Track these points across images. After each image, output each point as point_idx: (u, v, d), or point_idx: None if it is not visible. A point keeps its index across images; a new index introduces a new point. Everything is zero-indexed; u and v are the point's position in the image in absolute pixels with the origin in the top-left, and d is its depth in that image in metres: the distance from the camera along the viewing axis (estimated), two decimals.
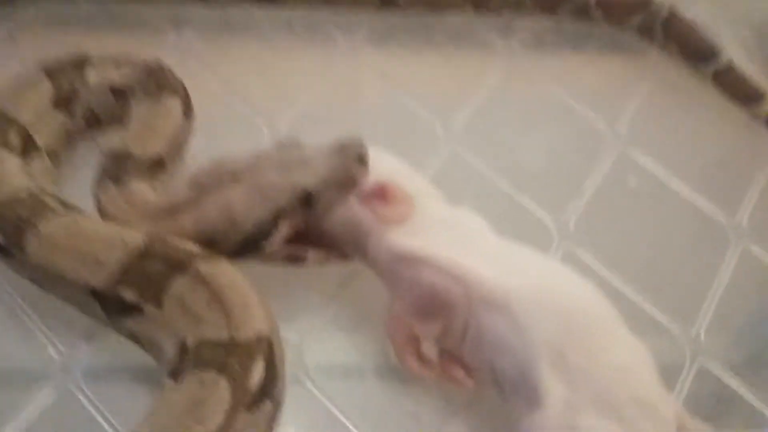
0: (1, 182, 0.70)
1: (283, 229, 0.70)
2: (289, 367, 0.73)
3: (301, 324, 0.78)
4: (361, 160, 0.71)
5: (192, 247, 0.68)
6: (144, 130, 0.76)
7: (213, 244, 0.69)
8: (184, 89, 0.81)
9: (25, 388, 0.72)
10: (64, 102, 0.78)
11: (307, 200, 0.69)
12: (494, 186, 0.91)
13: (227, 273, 0.66)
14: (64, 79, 0.79)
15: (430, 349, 0.73)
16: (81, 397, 0.72)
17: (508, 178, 0.92)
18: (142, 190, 0.73)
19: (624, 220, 0.92)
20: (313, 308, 0.76)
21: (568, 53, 1.07)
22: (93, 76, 0.79)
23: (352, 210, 0.72)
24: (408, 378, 0.75)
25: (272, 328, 0.65)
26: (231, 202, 0.69)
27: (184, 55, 0.97)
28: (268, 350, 0.63)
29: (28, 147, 0.75)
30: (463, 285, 0.68)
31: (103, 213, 0.72)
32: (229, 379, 0.60)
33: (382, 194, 0.72)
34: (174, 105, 0.78)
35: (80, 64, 0.80)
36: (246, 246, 0.70)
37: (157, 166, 0.75)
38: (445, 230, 0.73)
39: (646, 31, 1.06)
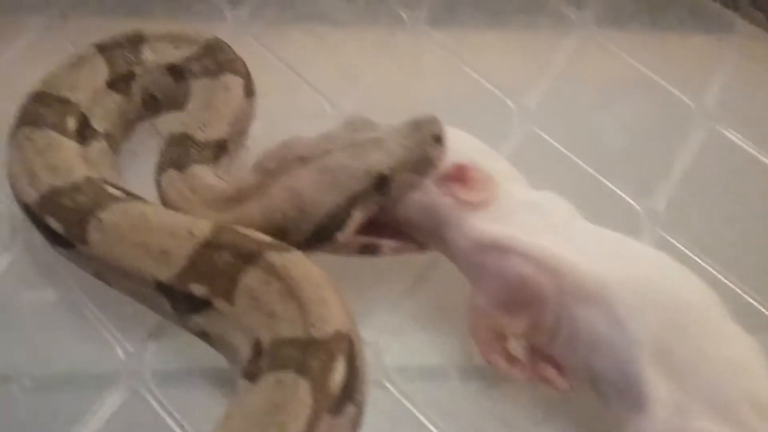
0: (59, 168, 0.67)
1: (357, 217, 0.66)
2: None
3: (378, 321, 0.73)
4: (438, 139, 0.67)
5: (262, 237, 0.64)
6: (204, 112, 0.72)
7: (282, 234, 0.65)
8: (245, 67, 0.77)
9: (93, 390, 0.69)
10: (120, 82, 0.75)
11: (381, 184, 0.65)
12: (574, 167, 0.85)
13: (301, 264, 0.61)
14: (119, 58, 0.75)
15: (518, 347, 0.67)
16: (151, 399, 0.68)
17: (589, 159, 0.86)
18: (206, 175, 0.69)
19: (718, 202, 0.85)
20: (390, 304, 0.71)
21: (648, 24, 1.01)
22: (149, 55, 0.76)
23: (429, 195, 0.67)
24: (495, 379, 0.70)
25: (351, 324, 0.60)
26: (300, 189, 0.65)
27: (240, 35, 0.93)
28: (349, 348, 0.58)
29: (84, 131, 0.72)
30: (553, 275, 0.63)
31: (165, 201, 0.68)
32: (309, 381, 0.55)
33: (461, 176, 0.67)
34: (235, 84, 0.74)
35: (136, 41, 0.76)
36: (318, 235, 0.66)
37: (220, 150, 0.71)
38: (531, 215, 0.67)
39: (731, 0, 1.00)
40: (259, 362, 0.58)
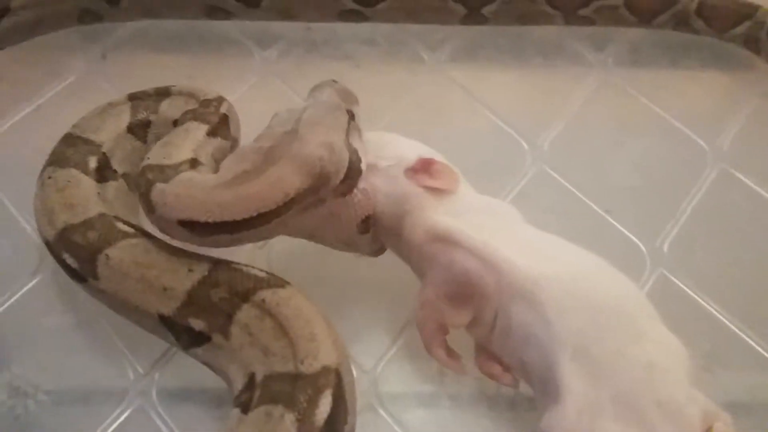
0: (75, 206, 0.71)
1: (359, 146, 0.71)
2: (362, 395, 0.72)
3: (375, 350, 0.76)
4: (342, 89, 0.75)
5: (257, 272, 0.67)
6: (163, 147, 0.72)
7: (325, 180, 0.66)
8: (218, 118, 0.76)
9: (103, 406, 0.73)
10: (138, 128, 0.79)
11: (351, 115, 0.73)
12: (583, 205, 0.87)
13: (293, 301, 0.65)
14: (142, 107, 0.80)
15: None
16: (155, 417, 0.72)
17: (597, 198, 0.88)
18: (194, 176, 0.69)
19: (724, 244, 0.86)
20: (386, 333, 0.74)
21: (666, 66, 1.02)
22: (165, 107, 0.79)
23: (398, 185, 0.71)
24: (487, 407, 0.72)
25: (340, 358, 0.63)
26: (323, 139, 0.67)
27: (266, 73, 0.98)
28: (336, 382, 0.61)
29: (104, 171, 0.76)
30: (495, 272, 0.66)
31: (160, 210, 0.66)
32: (295, 414, 0.58)
33: (427, 168, 0.71)
34: (196, 128, 0.75)
35: (162, 94, 0.81)
36: (351, 172, 0.68)
37: (194, 163, 0.71)
38: (481, 215, 0.71)
39: (751, 42, 1.00)
40: (251, 394, 0.61)
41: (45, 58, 0.97)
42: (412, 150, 0.73)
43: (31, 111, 0.92)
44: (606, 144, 0.94)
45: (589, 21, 1.00)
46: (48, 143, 0.77)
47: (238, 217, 0.64)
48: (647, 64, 1.02)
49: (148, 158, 0.70)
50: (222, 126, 0.76)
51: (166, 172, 0.68)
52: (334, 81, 0.77)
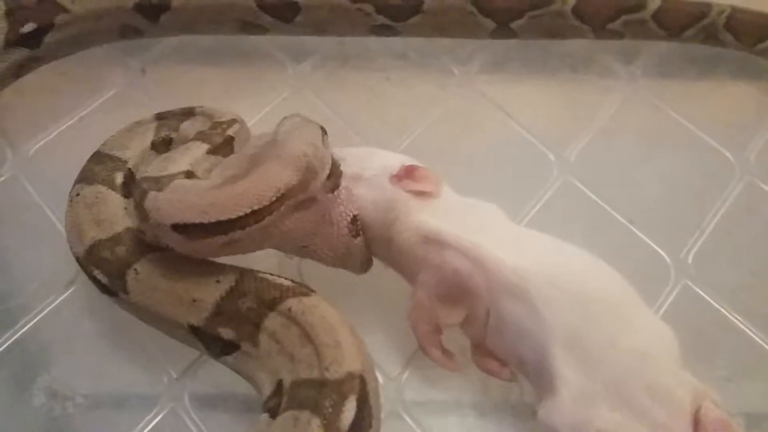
0: (104, 221, 0.74)
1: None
2: (388, 401, 0.74)
3: (400, 357, 0.78)
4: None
5: (283, 281, 0.69)
6: (162, 162, 0.74)
7: (312, 176, 0.68)
8: (223, 139, 0.78)
9: (137, 408, 0.76)
10: (161, 145, 0.81)
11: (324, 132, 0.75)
12: (608, 216, 0.89)
13: (318, 309, 0.67)
14: (166, 125, 0.83)
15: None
16: (188, 420, 0.75)
17: (623, 209, 0.89)
18: (186, 182, 0.70)
19: (748, 256, 0.86)
20: (411, 341, 0.74)
21: (695, 79, 1.03)
22: (186, 126, 0.82)
23: (384, 192, 0.73)
24: (509, 414, 0.74)
25: (364, 364, 0.65)
26: (306, 139, 0.70)
27: (300, 86, 1.00)
28: (361, 388, 0.63)
29: (130, 186, 0.78)
30: (483, 269, 0.68)
31: (154, 217, 0.66)
32: (321, 419, 0.60)
33: (411, 173, 0.73)
34: (197, 147, 0.77)
35: (186, 114, 0.83)
36: (333, 174, 0.71)
37: (190, 175, 0.72)
38: (468, 215, 0.73)
39: None
40: (280, 400, 0.64)
41: (87, 72, 1.00)
42: (394, 159, 0.76)
43: (74, 123, 0.96)
44: (632, 155, 0.95)
45: (618, 35, 1.01)
46: (90, 154, 0.80)
47: (233, 215, 0.65)
48: (675, 76, 1.03)
49: (146, 171, 0.72)
50: (225, 146, 0.77)
51: (160, 182, 0.69)
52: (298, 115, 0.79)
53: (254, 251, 0.72)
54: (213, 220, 0.65)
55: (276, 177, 0.66)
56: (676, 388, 0.62)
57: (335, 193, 0.71)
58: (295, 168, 0.67)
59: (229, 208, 0.65)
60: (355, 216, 0.73)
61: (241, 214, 0.65)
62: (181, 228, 0.66)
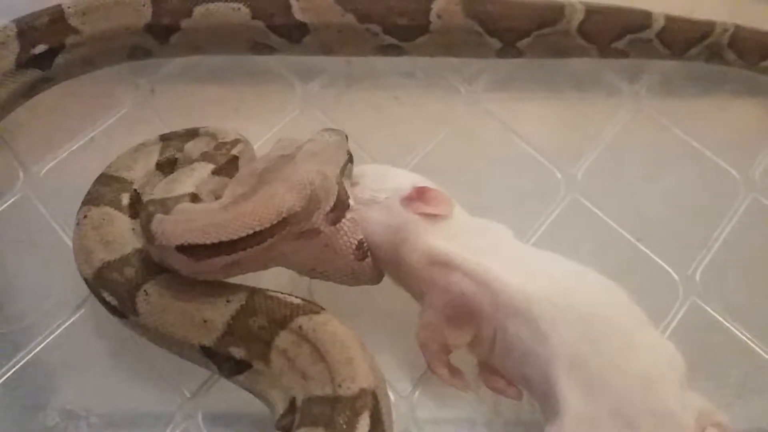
0: (111, 243, 0.74)
1: (347, 185, 0.74)
2: (399, 419, 0.74)
3: (412, 375, 0.79)
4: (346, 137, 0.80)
5: (293, 300, 0.70)
6: (168, 184, 0.75)
7: (316, 203, 0.69)
8: (227, 159, 0.79)
9: (151, 427, 0.77)
10: (166, 165, 0.82)
11: (350, 158, 0.77)
12: (615, 233, 0.89)
13: (329, 327, 0.67)
14: (171, 146, 0.83)
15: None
16: None
17: (630, 227, 0.90)
18: (192, 206, 0.71)
19: (756, 273, 0.87)
20: (423, 360, 0.74)
21: (699, 97, 1.04)
22: (190, 147, 0.82)
23: (394, 213, 0.74)
24: None
25: (377, 381, 0.65)
26: (315, 167, 0.71)
27: (308, 106, 1.01)
28: (373, 404, 0.63)
29: (137, 206, 0.78)
30: (489, 292, 0.68)
31: (159, 239, 0.67)
32: None
33: (422, 195, 0.74)
34: (203, 167, 0.77)
35: (191, 135, 0.84)
36: (339, 203, 0.71)
37: (195, 198, 0.73)
38: (475, 237, 0.74)
39: None
40: (293, 417, 0.64)
41: (98, 91, 1.01)
42: (406, 180, 0.76)
43: (85, 142, 0.96)
44: (639, 173, 0.96)
45: (622, 54, 1.02)
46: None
47: (235, 236, 0.65)
48: (680, 95, 1.04)
49: (152, 194, 0.73)
50: (229, 166, 0.78)
51: (167, 204, 0.70)
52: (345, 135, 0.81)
53: (259, 270, 0.73)
54: (216, 241, 0.65)
55: (280, 201, 0.67)
56: (679, 412, 0.62)
57: (337, 226, 0.71)
58: (299, 194, 0.68)
59: (231, 229, 0.66)
60: (360, 241, 0.73)
61: (243, 235, 0.66)
62: (185, 249, 0.66)
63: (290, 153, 0.73)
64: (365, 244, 0.73)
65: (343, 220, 0.71)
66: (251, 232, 0.66)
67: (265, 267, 0.73)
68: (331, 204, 0.70)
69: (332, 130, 0.80)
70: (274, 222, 0.66)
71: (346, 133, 0.80)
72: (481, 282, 0.69)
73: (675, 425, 0.62)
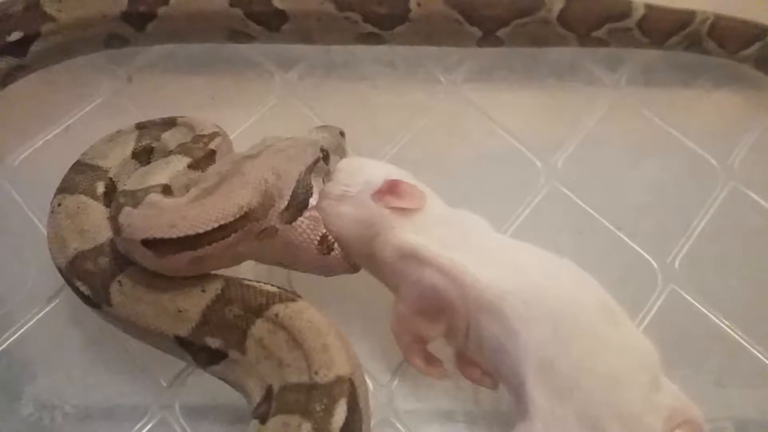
0: (87, 232, 0.73)
1: (318, 183, 0.74)
2: (379, 409, 0.74)
3: (391, 365, 0.78)
4: (342, 134, 0.83)
5: (269, 288, 0.69)
6: (143, 176, 0.74)
7: (270, 201, 0.69)
8: (204, 153, 0.78)
9: (127, 418, 0.76)
10: (142, 154, 0.81)
11: (326, 156, 0.77)
12: (595, 222, 0.89)
13: (305, 314, 0.67)
14: (147, 134, 0.82)
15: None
16: (178, 429, 0.75)
17: (609, 215, 0.89)
18: (162, 198, 0.70)
19: (735, 261, 0.87)
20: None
21: (679, 86, 1.04)
22: (166, 137, 0.81)
23: (366, 207, 0.73)
24: (501, 424, 0.74)
25: (353, 368, 0.65)
26: (271, 164, 0.71)
27: (287, 95, 1.00)
28: (351, 391, 0.63)
29: (112, 195, 0.76)
30: (460, 286, 0.68)
31: (125, 231, 0.67)
32: (312, 423, 0.60)
33: (394, 189, 0.73)
34: (179, 160, 0.76)
35: (168, 124, 0.83)
36: (296, 202, 0.71)
37: (166, 190, 0.72)
38: (447, 229, 0.73)
39: (762, 62, 1.01)
40: (269, 405, 0.64)
41: (73, 80, 1.00)
42: (379, 173, 0.75)
43: (60, 131, 0.96)
44: (618, 162, 0.96)
45: (602, 42, 1.02)
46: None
47: (200, 230, 0.65)
48: (660, 84, 1.04)
49: (125, 185, 0.72)
50: (206, 160, 0.77)
51: (136, 196, 0.69)
52: (342, 132, 0.83)
53: (225, 268, 0.72)
54: (181, 235, 0.65)
55: (239, 195, 0.68)
56: (645, 414, 0.62)
57: (294, 224, 0.71)
58: (255, 191, 0.68)
59: (195, 224, 0.66)
60: (323, 236, 0.72)
61: (208, 229, 0.66)
62: (150, 243, 0.66)
63: (257, 152, 0.73)
64: (329, 238, 0.73)
65: (300, 219, 0.71)
66: (216, 225, 0.66)
67: (231, 264, 0.73)
68: (285, 202, 0.70)
69: (328, 127, 0.80)
70: (237, 216, 0.67)
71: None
72: (452, 276, 0.68)
73: (642, 428, 0.62)
